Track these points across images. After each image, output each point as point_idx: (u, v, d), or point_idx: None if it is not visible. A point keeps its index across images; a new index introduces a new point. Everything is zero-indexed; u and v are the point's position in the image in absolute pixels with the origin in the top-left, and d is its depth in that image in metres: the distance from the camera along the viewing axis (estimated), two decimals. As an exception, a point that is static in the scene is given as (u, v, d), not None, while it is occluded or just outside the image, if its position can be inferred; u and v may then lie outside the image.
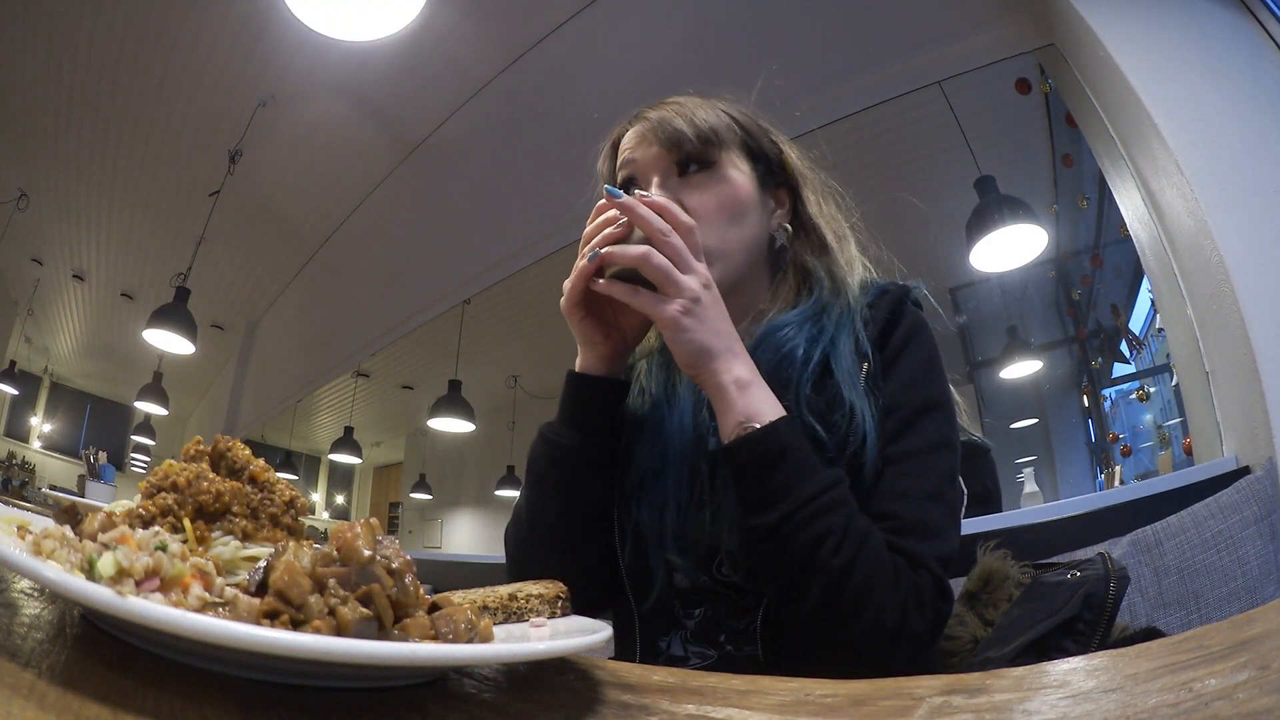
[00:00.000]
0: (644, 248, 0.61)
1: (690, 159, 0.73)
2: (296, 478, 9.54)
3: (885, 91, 2.71)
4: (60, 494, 2.97)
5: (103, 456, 7.41)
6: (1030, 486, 3.35)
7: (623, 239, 0.64)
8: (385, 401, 7.74)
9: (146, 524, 0.38)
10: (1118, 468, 3.98)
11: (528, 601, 0.49)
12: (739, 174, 0.75)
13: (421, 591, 0.33)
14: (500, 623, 0.48)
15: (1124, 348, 4.15)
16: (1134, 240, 2.12)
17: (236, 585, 0.33)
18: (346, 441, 6.95)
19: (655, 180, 0.73)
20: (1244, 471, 1.42)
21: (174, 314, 3.79)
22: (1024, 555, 0.84)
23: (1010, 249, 2.79)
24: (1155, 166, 1.72)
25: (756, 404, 0.61)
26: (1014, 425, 4.98)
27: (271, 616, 0.28)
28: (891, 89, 2.69)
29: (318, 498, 10.73)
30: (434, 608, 0.34)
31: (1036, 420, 5.02)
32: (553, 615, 0.50)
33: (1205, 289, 1.58)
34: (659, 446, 0.73)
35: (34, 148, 4.07)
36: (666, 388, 0.77)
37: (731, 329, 0.64)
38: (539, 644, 0.33)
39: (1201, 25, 1.73)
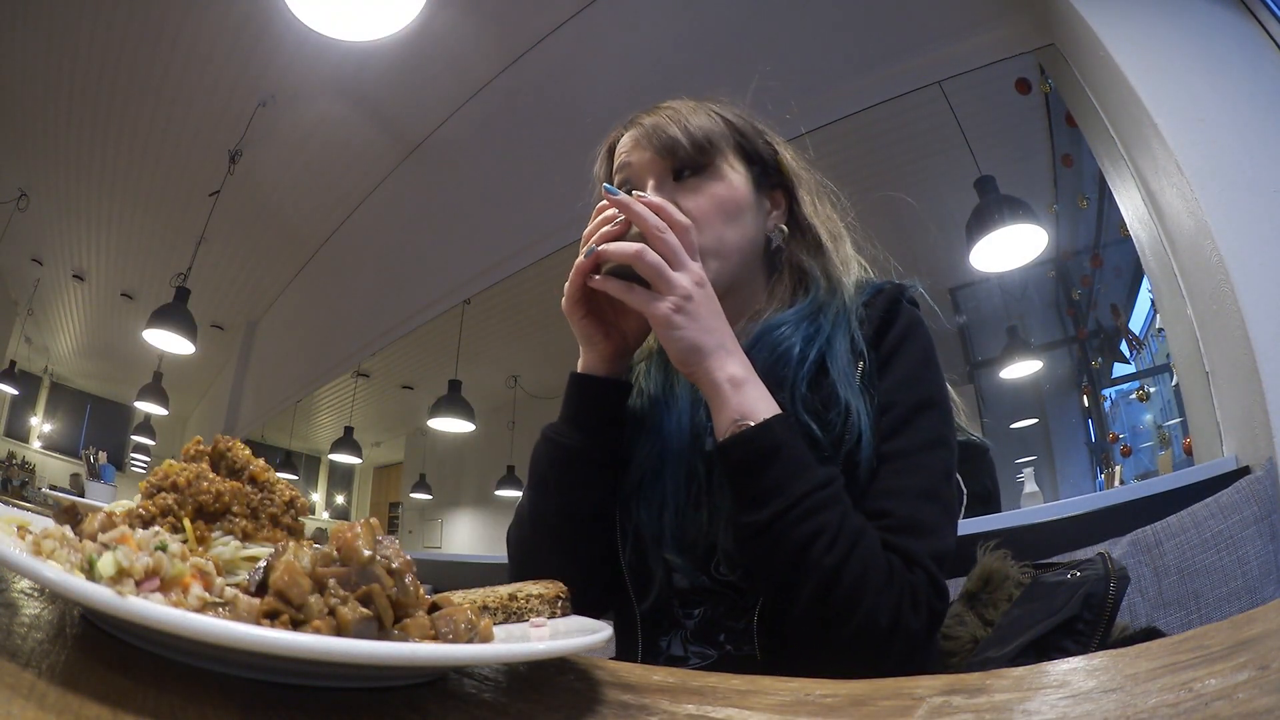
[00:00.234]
0: (638, 244, 0.62)
1: (685, 163, 0.74)
2: (296, 478, 9.54)
3: (885, 92, 2.71)
4: (60, 494, 2.97)
5: (103, 456, 7.40)
6: (1030, 486, 3.35)
7: (620, 236, 0.65)
8: (385, 401, 7.74)
9: (146, 524, 0.38)
10: (1118, 468, 3.98)
11: (528, 601, 0.49)
12: (734, 176, 0.75)
13: (421, 591, 0.33)
14: (500, 623, 0.48)
15: (1124, 348, 4.15)
16: (1134, 240, 2.12)
17: (236, 585, 0.33)
18: (346, 441, 6.96)
19: (651, 185, 0.74)
20: (1244, 471, 1.42)
21: (174, 314, 3.78)
22: (1024, 555, 0.84)
23: (1010, 249, 2.79)
24: (1155, 166, 1.72)
25: (751, 402, 0.61)
26: (1014, 425, 4.98)
27: (271, 616, 0.28)
28: (891, 89, 2.69)
29: (318, 498, 10.73)
30: (434, 608, 0.34)
31: (1036, 420, 5.02)
32: (553, 615, 0.50)
33: (1205, 289, 1.58)
34: (657, 447, 0.73)
35: (34, 148, 4.07)
36: (665, 388, 0.78)
37: (726, 327, 0.64)
38: (539, 644, 0.33)
39: (1201, 25, 1.73)
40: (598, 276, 0.66)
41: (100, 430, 8.49)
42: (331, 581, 0.30)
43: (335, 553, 0.32)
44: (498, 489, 7.06)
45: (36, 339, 6.94)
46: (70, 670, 0.25)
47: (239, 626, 0.24)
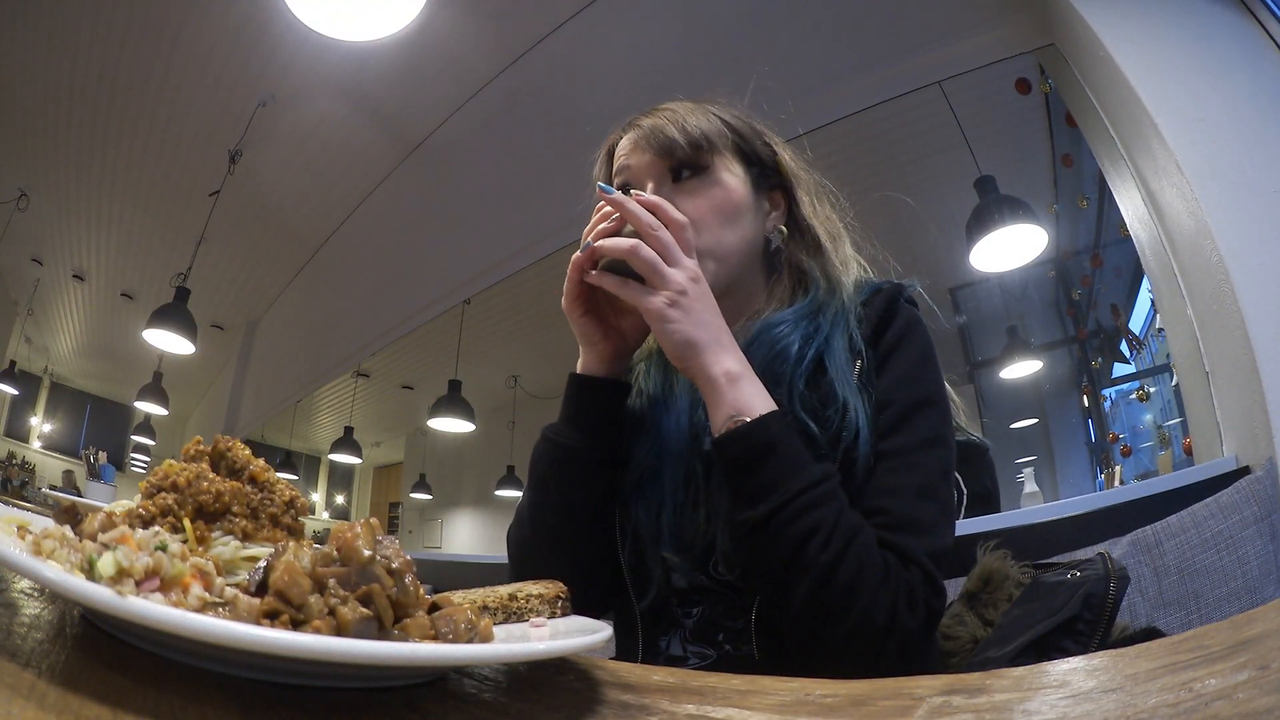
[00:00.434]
0: (632, 240, 0.63)
1: (683, 165, 0.74)
2: (296, 478, 9.54)
3: (885, 92, 2.71)
4: (60, 494, 2.97)
5: (103, 456, 7.42)
6: (1030, 486, 3.35)
7: (616, 234, 0.65)
8: (385, 401, 7.74)
9: (146, 524, 0.38)
10: (1118, 468, 3.98)
11: (528, 601, 0.49)
12: (732, 178, 0.75)
13: (421, 591, 0.33)
14: (500, 623, 0.48)
15: (1124, 348, 4.15)
16: (1134, 240, 2.12)
17: (236, 585, 0.33)
18: (346, 441, 6.95)
19: (649, 187, 0.74)
20: (1244, 471, 1.42)
21: (174, 314, 3.79)
22: (1024, 555, 0.84)
23: (1010, 249, 2.79)
24: (1155, 166, 1.72)
25: (747, 398, 0.61)
26: (1014, 425, 4.98)
27: (271, 616, 0.28)
28: (891, 89, 2.69)
29: (318, 498, 10.73)
30: (434, 608, 0.34)
31: (1036, 420, 5.02)
32: (553, 615, 0.50)
33: (1205, 289, 1.58)
34: (656, 446, 0.73)
35: (34, 148, 4.07)
36: (664, 389, 0.78)
37: (721, 322, 0.65)
38: (539, 644, 0.33)
39: (1201, 25, 1.73)
40: (594, 272, 0.66)
41: (100, 430, 8.49)
42: (331, 581, 0.30)
43: (335, 553, 0.32)
44: (498, 489, 7.06)
45: (36, 339, 6.94)
46: (70, 670, 0.25)
47: (239, 626, 0.24)
